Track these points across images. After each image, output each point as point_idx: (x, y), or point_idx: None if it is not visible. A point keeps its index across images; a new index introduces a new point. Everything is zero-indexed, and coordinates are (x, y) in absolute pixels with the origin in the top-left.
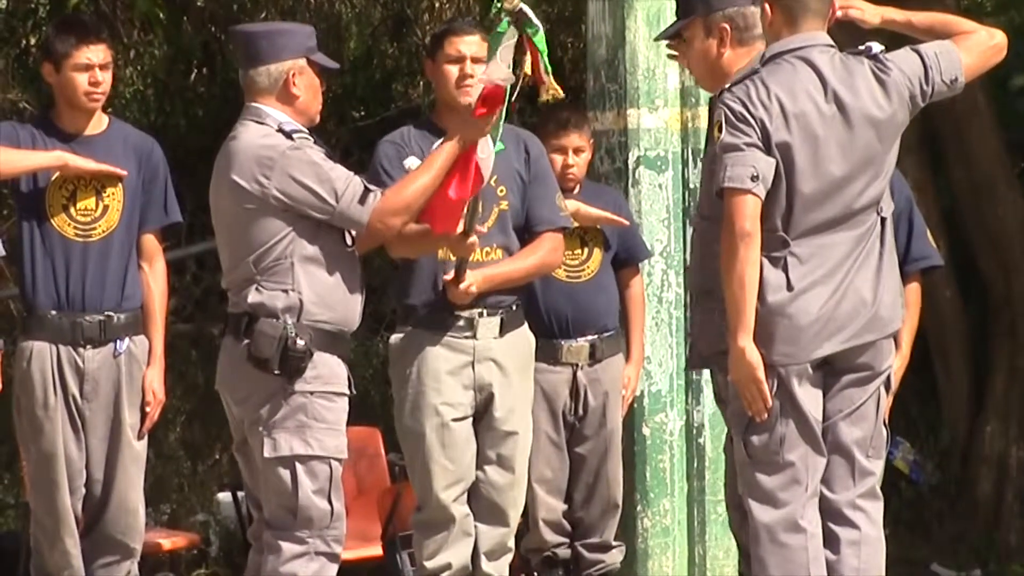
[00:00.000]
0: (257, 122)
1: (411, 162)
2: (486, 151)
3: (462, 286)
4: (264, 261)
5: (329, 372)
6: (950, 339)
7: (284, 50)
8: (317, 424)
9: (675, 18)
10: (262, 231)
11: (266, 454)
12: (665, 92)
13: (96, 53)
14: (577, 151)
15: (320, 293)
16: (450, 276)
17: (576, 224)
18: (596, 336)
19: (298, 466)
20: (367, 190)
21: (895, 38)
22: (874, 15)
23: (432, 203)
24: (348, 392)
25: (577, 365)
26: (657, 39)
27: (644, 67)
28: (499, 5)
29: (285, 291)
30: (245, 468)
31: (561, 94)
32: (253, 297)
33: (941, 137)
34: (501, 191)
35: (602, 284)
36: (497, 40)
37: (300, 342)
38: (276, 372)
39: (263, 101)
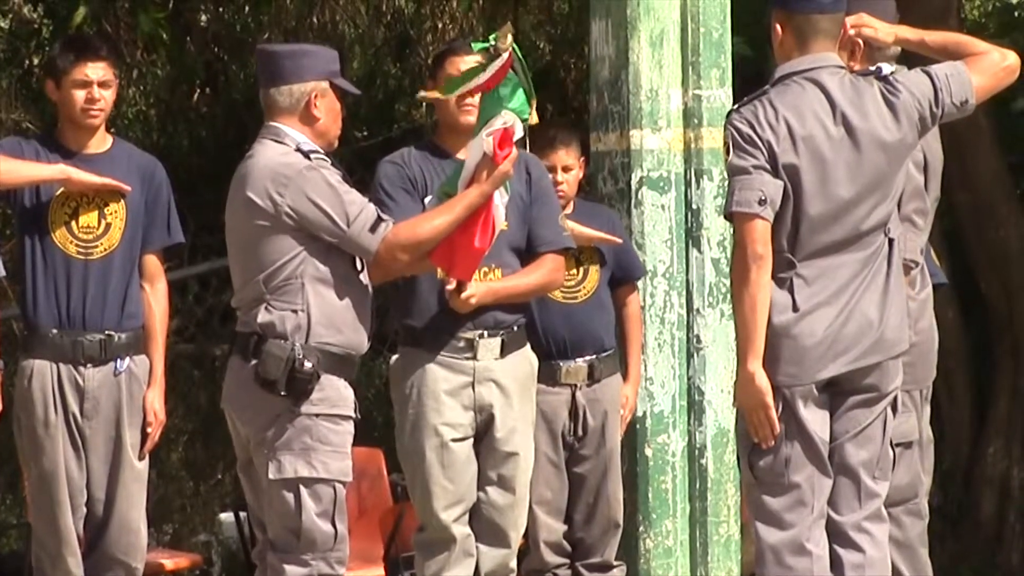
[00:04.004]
0: (276, 141)
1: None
2: (500, 198)
3: (463, 295)
4: (274, 280)
5: (336, 395)
6: (952, 360)
7: (307, 71)
8: (322, 446)
9: (677, 40)
10: (273, 249)
11: (270, 476)
12: (668, 113)
13: (95, 70)
14: (565, 169)
15: (329, 314)
16: (452, 286)
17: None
18: (594, 356)
19: (302, 488)
20: (379, 219)
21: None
22: (887, 34)
23: (455, 250)
24: (354, 415)
25: (576, 386)
26: None
27: (647, 88)
28: (493, 42)
29: (294, 311)
30: (249, 488)
31: (535, 119)
32: (262, 317)
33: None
34: None
35: (599, 303)
36: (474, 73)
37: (307, 364)
38: (283, 394)
39: (283, 121)
